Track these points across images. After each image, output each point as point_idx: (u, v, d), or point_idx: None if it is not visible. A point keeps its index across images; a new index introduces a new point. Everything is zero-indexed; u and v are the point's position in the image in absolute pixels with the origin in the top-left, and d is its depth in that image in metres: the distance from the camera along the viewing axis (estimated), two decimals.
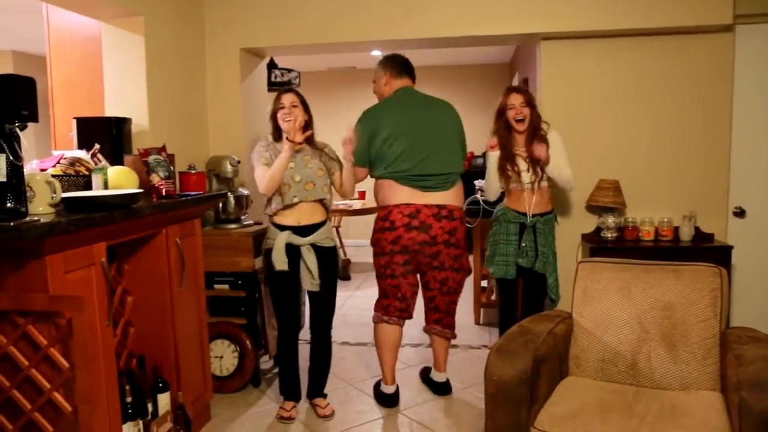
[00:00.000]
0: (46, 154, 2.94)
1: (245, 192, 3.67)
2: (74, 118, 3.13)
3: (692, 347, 2.41)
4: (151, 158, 2.79)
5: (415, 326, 4.54)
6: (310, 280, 3.07)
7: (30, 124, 2.01)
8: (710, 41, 3.77)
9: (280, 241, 3.01)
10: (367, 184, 3.64)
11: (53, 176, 2.26)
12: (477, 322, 4.79)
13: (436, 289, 3.25)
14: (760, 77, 3.81)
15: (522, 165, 3.27)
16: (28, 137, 2.04)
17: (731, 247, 3.66)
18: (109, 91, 3.38)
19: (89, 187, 2.62)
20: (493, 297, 4.71)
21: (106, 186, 2.61)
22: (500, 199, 3.45)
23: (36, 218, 1.93)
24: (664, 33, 3.77)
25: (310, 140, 3.10)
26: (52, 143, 3.53)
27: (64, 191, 2.25)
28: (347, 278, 6.47)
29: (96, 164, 2.77)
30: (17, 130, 1.95)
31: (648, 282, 2.56)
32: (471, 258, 4.81)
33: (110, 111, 3.35)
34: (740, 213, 3.90)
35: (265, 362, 3.86)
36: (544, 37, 3.91)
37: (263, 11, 4.02)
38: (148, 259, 2.66)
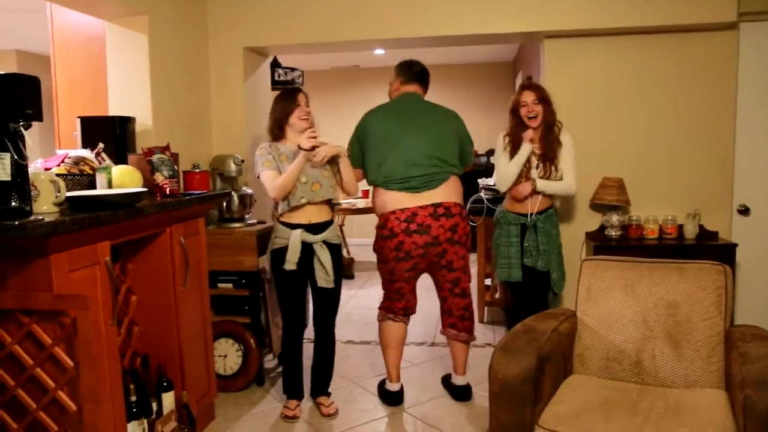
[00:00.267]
0: (51, 153, 2.95)
1: (249, 191, 3.68)
2: (78, 117, 3.15)
3: (697, 345, 2.40)
4: (155, 157, 2.79)
5: (419, 325, 4.56)
6: (324, 277, 3.06)
7: (34, 123, 2.01)
8: (714, 39, 3.76)
9: (294, 238, 2.99)
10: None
11: (57, 175, 2.27)
12: (481, 320, 4.78)
13: (447, 290, 3.22)
14: (765, 74, 3.79)
15: (533, 162, 3.28)
16: (32, 136, 2.05)
17: (735, 245, 3.65)
18: (113, 91, 3.38)
19: (93, 187, 2.63)
20: (497, 295, 4.71)
21: (110, 185, 2.61)
22: (500, 199, 3.45)
23: (40, 217, 1.94)
24: (668, 31, 3.76)
25: None
26: (56, 142, 3.54)
27: (68, 190, 2.26)
28: (351, 277, 6.48)
29: (100, 163, 2.77)
30: (22, 129, 1.96)
31: (652, 280, 2.55)
32: (474, 256, 4.83)
33: (114, 110, 3.35)
34: (744, 210, 3.89)
35: (269, 361, 3.87)
36: (547, 35, 3.91)
37: (266, 10, 4.02)
38: (152, 258, 2.66)
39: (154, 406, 2.60)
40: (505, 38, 4.13)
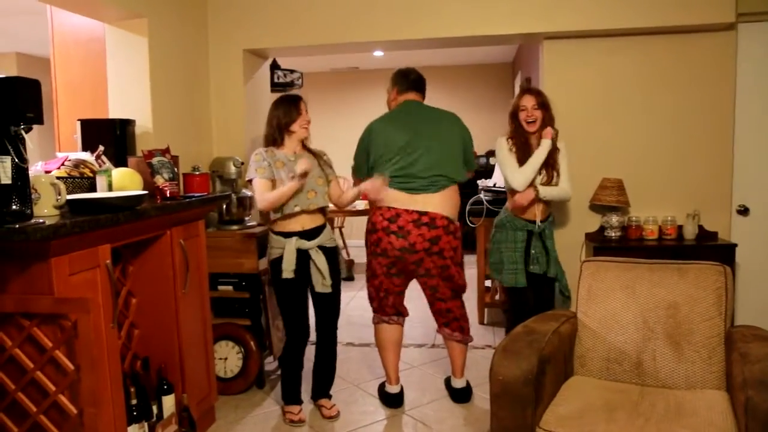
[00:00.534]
0: (51, 156, 2.96)
1: (249, 193, 3.67)
2: (78, 120, 3.15)
3: (697, 346, 2.40)
4: (155, 160, 2.79)
5: (418, 327, 4.56)
6: (321, 282, 3.06)
7: (34, 126, 2.01)
8: (713, 40, 3.76)
9: (290, 247, 2.99)
10: None
11: (58, 178, 2.27)
12: (481, 322, 4.78)
13: (429, 295, 3.25)
14: (763, 75, 3.80)
15: None
16: (32, 139, 2.05)
17: (735, 245, 3.66)
18: (113, 93, 3.38)
19: (94, 189, 2.63)
20: (497, 297, 4.71)
21: (110, 188, 2.61)
22: (500, 201, 3.44)
23: (41, 220, 1.94)
24: (667, 32, 3.77)
25: (306, 146, 3.11)
26: (56, 145, 3.54)
27: (68, 193, 2.26)
28: (350, 278, 6.48)
29: (100, 166, 2.78)
30: (22, 132, 1.96)
31: (652, 281, 2.56)
32: (474, 258, 4.83)
33: (114, 113, 3.36)
34: (744, 211, 3.89)
35: (270, 364, 3.86)
36: (546, 36, 3.91)
37: (266, 13, 4.02)
38: (153, 261, 2.66)
39: (155, 409, 2.60)
40: (505, 39, 4.13)
